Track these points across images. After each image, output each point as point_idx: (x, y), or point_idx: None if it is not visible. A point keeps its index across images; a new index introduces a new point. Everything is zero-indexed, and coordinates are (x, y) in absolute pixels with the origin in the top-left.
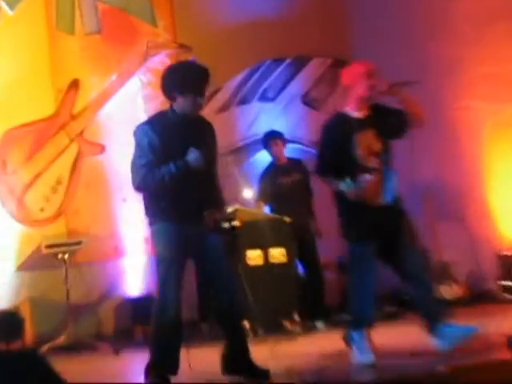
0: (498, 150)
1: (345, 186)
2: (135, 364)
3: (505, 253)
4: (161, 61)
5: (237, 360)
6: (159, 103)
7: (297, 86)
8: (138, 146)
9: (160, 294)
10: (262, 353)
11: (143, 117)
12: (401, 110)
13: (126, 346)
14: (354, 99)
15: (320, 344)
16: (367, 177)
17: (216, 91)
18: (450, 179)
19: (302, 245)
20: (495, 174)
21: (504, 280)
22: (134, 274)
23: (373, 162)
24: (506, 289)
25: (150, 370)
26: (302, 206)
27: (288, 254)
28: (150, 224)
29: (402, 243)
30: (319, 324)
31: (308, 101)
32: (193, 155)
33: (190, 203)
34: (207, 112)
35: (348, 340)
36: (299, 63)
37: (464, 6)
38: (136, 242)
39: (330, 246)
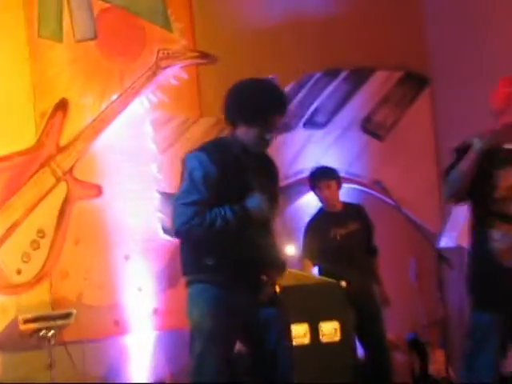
0: None
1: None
2: None
3: None
4: (175, 74)
5: None
6: (173, 129)
7: (355, 108)
8: (189, 177)
9: (195, 379)
10: None
11: (152, 148)
12: None
13: None
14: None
15: None
16: (503, 228)
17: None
18: None
19: (363, 317)
20: None
21: None
22: (140, 355)
23: None
24: None
25: None
26: (362, 266)
27: (343, 329)
28: (188, 285)
29: None
30: None
31: (370, 127)
32: (255, 201)
33: (246, 264)
34: None
35: None
36: (359, 77)
37: None
38: (142, 314)
39: (400, 319)
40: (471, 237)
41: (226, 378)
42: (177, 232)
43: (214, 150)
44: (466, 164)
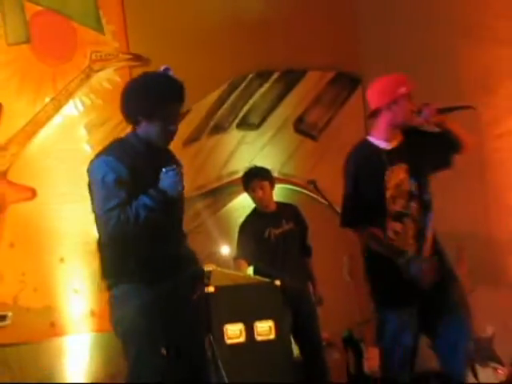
0: None
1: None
2: None
3: None
4: (108, 77)
5: None
6: (107, 132)
7: (288, 108)
8: (102, 184)
9: (134, 379)
10: None
11: (86, 151)
12: (443, 133)
13: None
14: (384, 126)
15: None
16: (396, 226)
17: (182, 116)
18: (487, 228)
19: (298, 316)
20: None
21: None
22: (77, 357)
23: (404, 206)
24: None
25: None
26: (296, 266)
27: (278, 328)
28: (111, 287)
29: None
30: None
31: (303, 127)
32: (168, 179)
33: (165, 259)
34: (171, 144)
35: None
36: (291, 78)
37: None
38: (79, 316)
39: (335, 317)
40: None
41: (162, 376)
42: (109, 239)
43: (120, 152)
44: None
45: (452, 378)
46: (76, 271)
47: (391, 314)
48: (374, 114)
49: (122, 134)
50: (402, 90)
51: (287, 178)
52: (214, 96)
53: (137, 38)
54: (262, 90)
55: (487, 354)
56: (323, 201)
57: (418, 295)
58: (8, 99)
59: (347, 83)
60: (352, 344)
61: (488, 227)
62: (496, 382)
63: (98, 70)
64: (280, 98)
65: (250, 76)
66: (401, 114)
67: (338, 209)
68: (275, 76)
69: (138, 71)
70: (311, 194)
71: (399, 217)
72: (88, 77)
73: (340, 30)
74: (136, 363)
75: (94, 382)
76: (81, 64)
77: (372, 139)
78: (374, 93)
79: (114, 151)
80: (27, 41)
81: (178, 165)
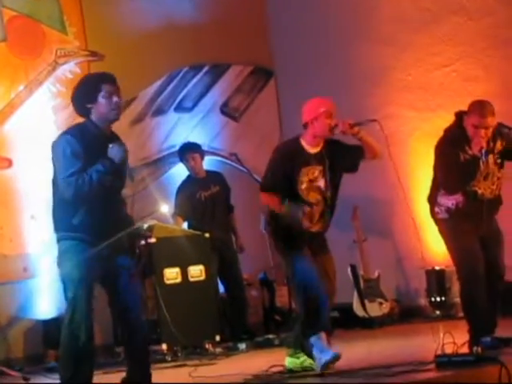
0: (425, 160)
1: (286, 208)
2: None
3: (433, 268)
4: (71, 69)
5: None
6: (69, 113)
7: (215, 95)
8: (63, 156)
9: (70, 318)
10: (181, 376)
11: (53, 128)
12: (357, 147)
13: (37, 372)
14: (309, 135)
15: (242, 366)
16: (305, 208)
17: (130, 101)
18: (377, 193)
19: (223, 261)
20: (422, 186)
21: (432, 296)
22: (45, 295)
23: (313, 198)
24: (435, 305)
25: None
26: (222, 221)
27: (207, 271)
28: (58, 241)
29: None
30: (241, 345)
31: (227, 111)
32: (114, 150)
33: (105, 221)
34: (120, 123)
35: (306, 350)
36: (218, 71)
37: (391, 10)
38: (46, 262)
39: (253, 262)
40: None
41: (90, 308)
42: (73, 199)
43: (76, 132)
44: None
45: None
46: (44, 226)
47: (294, 256)
48: (304, 126)
49: None
50: (322, 109)
51: (214, 151)
52: (155, 85)
53: (93, 38)
54: (195, 80)
55: (375, 292)
56: (243, 169)
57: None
58: None
59: (263, 75)
60: (267, 284)
61: (378, 192)
62: (381, 313)
63: (62, 64)
64: (209, 87)
65: (185, 69)
66: (320, 128)
67: (256, 176)
68: (205, 69)
69: (94, 64)
70: (233, 164)
71: (309, 204)
72: (54, 69)
73: (257, 32)
74: (70, 306)
75: (58, 314)
76: (48, 59)
77: (302, 141)
78: (304, 111)
79: (73, 131)
80: (4, 39)
81: (123, 142)
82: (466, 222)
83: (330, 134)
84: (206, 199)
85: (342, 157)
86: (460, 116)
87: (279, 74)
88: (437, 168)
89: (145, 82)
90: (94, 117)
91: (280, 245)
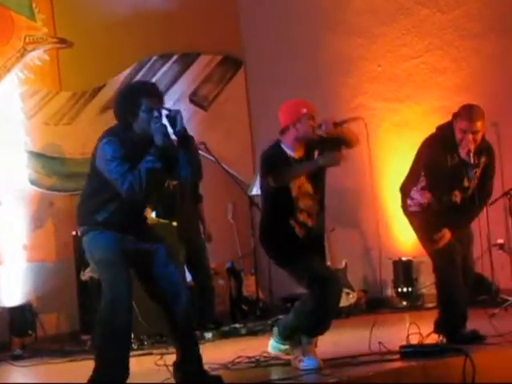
0: (394, 151)
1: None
2: (12, 380)
3: (400, 258)
4: (39, 56)
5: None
6: (37, 101)
7: (184, 84)
8: (114, 155)
9: (110, 297)
10: (147, 365)
11: (20, 115)
12: (338, 141)
13: (3, 359)
14: (291, 139)
15: (208, 355)
16: (299, 218)
17: (99, 89)
18: (345, 183)
19: (191, 250)
20: (390, 177)
21: (399, 287)
22: (12, 282)
23: (304, 204)
24: (402, 295)
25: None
26: (190, 210)
27: (175, 260)
28: (83, 235)
29: None
30: (208, 334)
31: (196, 100)
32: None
33: (127, 221)
34: (89, 110)
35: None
36: (187, 60)
37: (361, 2)
38: (14, 249)
39: (221, 251)
40: (272, 221)
41: (130, 290)
42: (130, 193)
43: (121, 136)
44: (302, 170)
45: None
46: (12, 212)
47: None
48: (284, 130)
49: (51, 103)
50: (304, 111)
51: None
52: (125, 73)
53: (62, 25)
54: (164, 69)
55: (342, 282)
56: (212, 158)
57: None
58: None
59: (232, 65)
60: (234, 273)
61: (345, 182)
62: (348, 303)
63: (30, 51)
64: (178, 76)
65: (154, 58)
66: (303, 130)
67: (224, 165)
68: (174, 58)
69: (63, 52)
70: (202, 152)
71: (301, 210)
72: (22, 56)
73: (228, 22)
74: (111, 285)
75: (25, 301)
76: (17, 45)
77: (283, 147)
78: (282, 113)
79: (117, 136)
80: None
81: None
82: (438, 217)
83: (314, 135)
84: (175, 188)
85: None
86: (444, 128)
87: (249, 63)
88: (421, 166)
89: (114, 69)
90: (135, 126)
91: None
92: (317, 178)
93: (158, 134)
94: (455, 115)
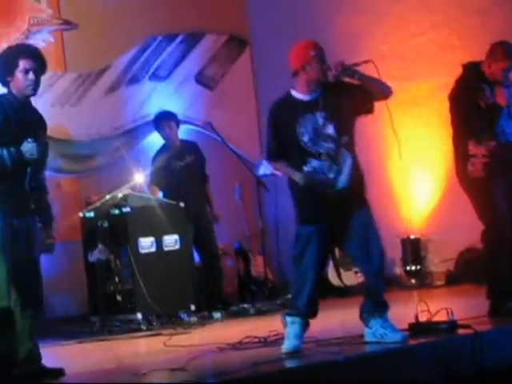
0: (401, 130)
1: (297, 176)
2: None
3: (408, 236)
4: (44, 38)
5: None
6: (44, 82)
7: (190, 64)
8: None
9: None
10: (156, 346)
11: None
12: (360, 86)
13: None
14: (303, 82)
15: (217, 335)
16: (315, 163)
17: (104, 70)
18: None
19: (198, 231)
20: (399, 156)
21: (408, 265)
22: None
23: (323, 147)
24: (410, 274)
25: None
26: (197, 191)
27: (182, 240)
28: None
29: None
30: (216, 314)
31: (202, 80)
32: (29, 146)
33: (20, 196)
34: (95, 92)
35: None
36: (192, 40)
37: None
38: None
39: (229, 232)
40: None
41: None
42: None
43: None
44: (285, 170)
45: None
46: None
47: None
48: (294, 74)
49: (56, 85)
50: (312, 53)
51: (189, 120)
52: (130, 54)
53: (67, 6)
54: (169, 49)
55: (350, 261)
56: (218, 138)
57: (329, 213)
58: None
59: (237, 45)
60: (242, 253)
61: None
62: (356, 282)
63: (35, 32)
64: (183, 56)
65: (159, 38)
66: (313, 72)
67: (230, 145)
68: (179, 38)
69: (68, 33)
70: (208, 133)
71: (318, 155)
72: (27, 37)
73: (232, 2)
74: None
75: None
76: (21, 27)
77: (293, 92)
78: (292, 57)
79: None
80: None
81: (42, 118)
82: (497, 180)
83: (324, 77)
84: (181, 169)
85: (347, 95)
86: (470, 67)
87: (254, 43)
88: (457, 116)
89: (119, 50)
90: (13, 90)
91: (297, 215)
92: (343, 117)
93: (31, 148)
94: (488, 56)
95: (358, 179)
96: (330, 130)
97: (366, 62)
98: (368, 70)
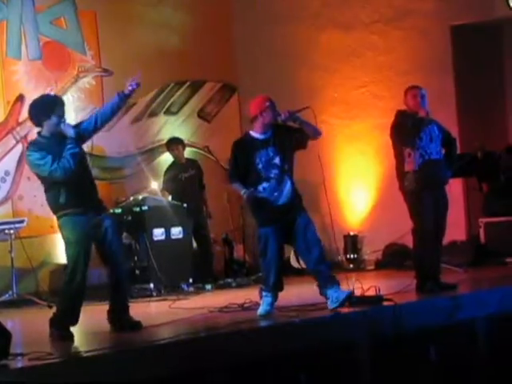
0: (346, 155)
1: (242, 193)
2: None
3: (349, 233)
4: (88, 81)
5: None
6: (86, 113)
7: (194, 104)
8: (39, 160)
9: (71, 267)
10: (163, 307)
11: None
12: (299, 128)
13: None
14: (260, 125)
15: (208, 301)
16: (266, 184)
17: (131, 106)
18: (311, 178)
19: (196, 225)
20: (343, 174)
21: (348, 254)
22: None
23: (272, 172)
24: (349, 260)
25: (55, 323)
26: (196, 196)
27: (184, 231)
28: (58, 219)
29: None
30: (208, 286)
31: (202, 115)
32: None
33: (88, 196)
34: (124, 122)
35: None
36: (196, 86)
37: (326, 42)
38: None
39: (218, 225)
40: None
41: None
42: (48, 186)
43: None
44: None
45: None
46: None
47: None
48: (253, 119)
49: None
50: (267, 103)
51: (192, 144)
52: (150, 95)
53: (106, 59)
54: (179, 92)
55: None
56: (213, 158)
57: (278, 218)
58: (28, 92)
59: (229, 90)
60: (227, 242)
61: (312, 178)
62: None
63: (82, 77)
64: (189, 97)
65: (172, 84)
66: (268, 118)
67: (222, 163)
68: (187, 84)
69: (106, 78)
70: (206, 154)
71: (268, 179)
72: (76, 81)
73: (224, 55)
74: (71, 263)
75: None
76: (72, 73)
77: (252, 133)
78: (252, 107)
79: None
80: (40, 58)
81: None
82: (428, 192)
83: (275, 121)
84: (186, 179)
85: (289, 135)
86: (399, 113)
87: (242, 89)
88: (396, 150)
89: (143, 92)
90: (44, 129)
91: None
92: (286, 151)
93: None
94: (404, 97)
95: (296, 195)
96: (277, 160)
97: (305, 108)
98: (307, 115)
